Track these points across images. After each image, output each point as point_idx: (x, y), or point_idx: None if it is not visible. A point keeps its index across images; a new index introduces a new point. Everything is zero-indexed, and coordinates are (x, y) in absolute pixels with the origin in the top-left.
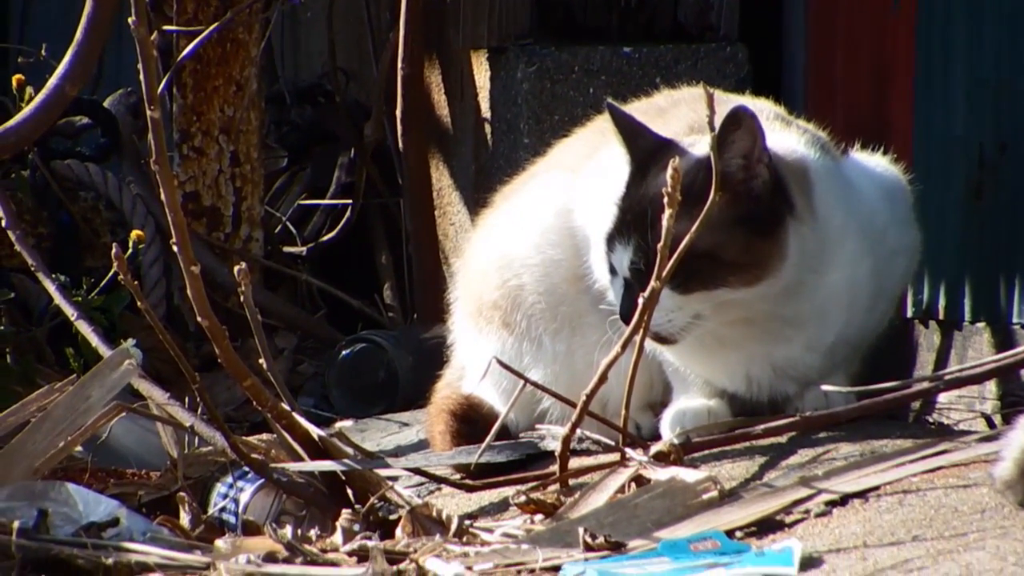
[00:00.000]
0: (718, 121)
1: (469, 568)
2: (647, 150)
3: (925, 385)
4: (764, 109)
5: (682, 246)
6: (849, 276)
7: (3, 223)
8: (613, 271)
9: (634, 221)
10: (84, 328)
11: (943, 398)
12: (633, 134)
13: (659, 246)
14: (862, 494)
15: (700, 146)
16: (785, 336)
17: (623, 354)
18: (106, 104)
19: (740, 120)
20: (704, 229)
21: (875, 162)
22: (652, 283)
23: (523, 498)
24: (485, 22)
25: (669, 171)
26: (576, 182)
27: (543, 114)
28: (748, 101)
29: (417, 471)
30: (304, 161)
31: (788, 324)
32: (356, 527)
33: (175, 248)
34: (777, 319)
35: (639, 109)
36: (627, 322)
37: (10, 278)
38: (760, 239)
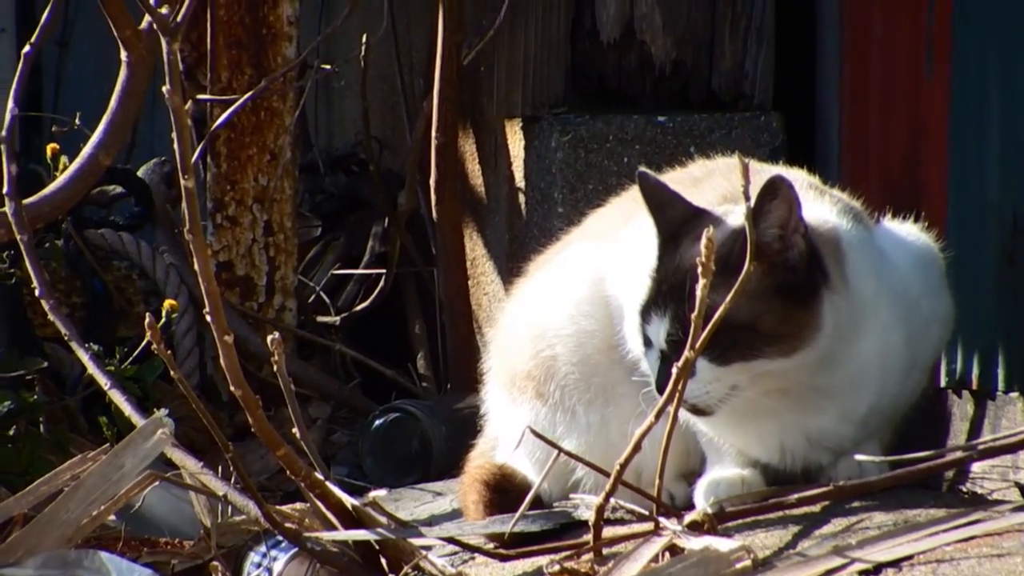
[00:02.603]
0: (754, 191)
1: None
2: (678, 220)
3: (959, 454)
4: (798, 178)
5: (716, 316)
6: (882, 346)
7: (37, 292)
8: (648, 343)
9: (670, 292)
10: (117, 397)
11: (977, 467)
12: (662, 204)
13: (693, 316)
14: (896, 563)
15: (734, 216)
16: (819, 407)
17: (657, 423)
18: (140, 173)
19: (777, 189)
20: (741, 300)
21: (907, 230)
22: (686, 353)
23: (557, 567)
24: (519, 90)
25: (703, 241)
26: (609, 251)
27: (577, 183)
28: (782, 170)
29: (451, 540)
30: (338, 230)
31: (822, 395)
32: None
33: (208, 317)
34: (811, 389)
35: (674, 179)
36: (662, 393)
37: (43, 347)
38: (797, 309)
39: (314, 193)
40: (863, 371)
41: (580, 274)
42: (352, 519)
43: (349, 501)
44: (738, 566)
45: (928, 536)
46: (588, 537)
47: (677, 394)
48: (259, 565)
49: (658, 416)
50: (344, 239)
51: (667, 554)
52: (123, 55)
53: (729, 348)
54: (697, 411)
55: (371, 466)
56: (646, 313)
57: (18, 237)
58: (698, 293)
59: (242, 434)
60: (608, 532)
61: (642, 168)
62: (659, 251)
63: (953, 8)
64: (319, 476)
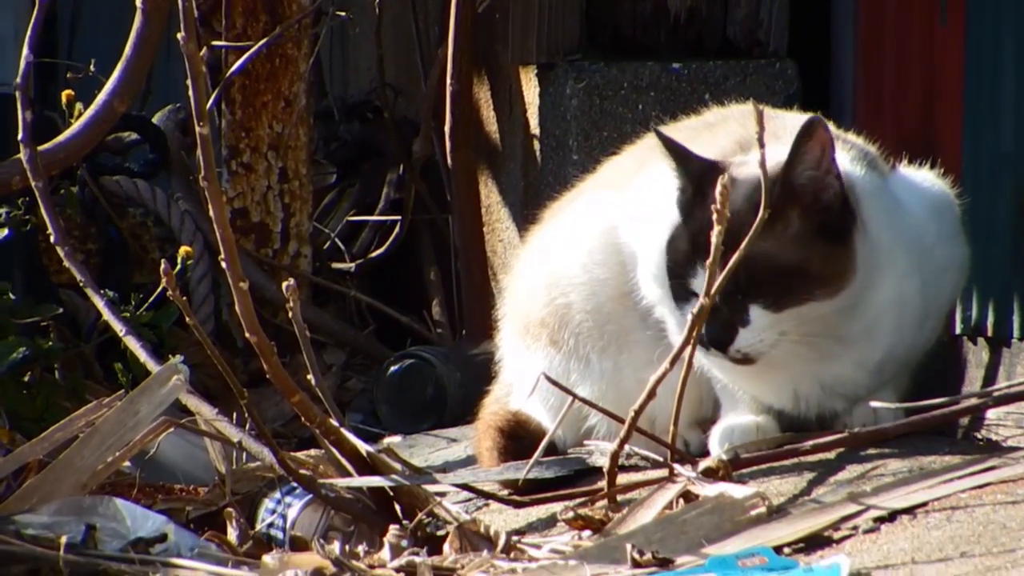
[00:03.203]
0: (768, 137)
1: None
2: (703, 172)
3: (974, 401)
4: None
5: (734, 259)
6: (897, 293)
7: (52, 239)
8: (684, 297)
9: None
10: (133, 344)
11: (991, 414)
12: (686, 158)
13: (708, 262)
14: (910, 510)
15: (751, 165)
16: (834, 354)
17: (672, 370)
18: (155, 120)
19: (813, 130)
20: (788, 244)
21: (922, 177)
22: (701, 300)
23: (571, 514)
24: (534, 38)
25: (719, 188)
26: (622, 200)
27: (592, 130)
28: (795, 117)
29: (465, 487)
30: (353, 177)
31: (838, 342)
32: (404, 543)
33: (223, 264)
34: (828, 337)
35: (689, 126)
36: (724, 349)
37: (59, 294)
38: (836, 250)
39: (329, 140)
40: (879, 318)
41: (593, 223)
42: (367, 466)
43: (364, 448)
44: (753, 513)
45: (943, 483)
46: (602, 484)
47: (693, 340)
48: (274, 511)
49: (673, 363)
50: (359, 186)
51: (681, 501)
52: (138, 2)
53: (783, 294)
54: (745, 360)
55: (386, 413)
56: (687, 266)
57: (33, 184)
58: (712, 241)
59: (257, 381)
60: (622, 479)
61: (658, 128)
62: (688, 204)
63: None
64: (334, 423)
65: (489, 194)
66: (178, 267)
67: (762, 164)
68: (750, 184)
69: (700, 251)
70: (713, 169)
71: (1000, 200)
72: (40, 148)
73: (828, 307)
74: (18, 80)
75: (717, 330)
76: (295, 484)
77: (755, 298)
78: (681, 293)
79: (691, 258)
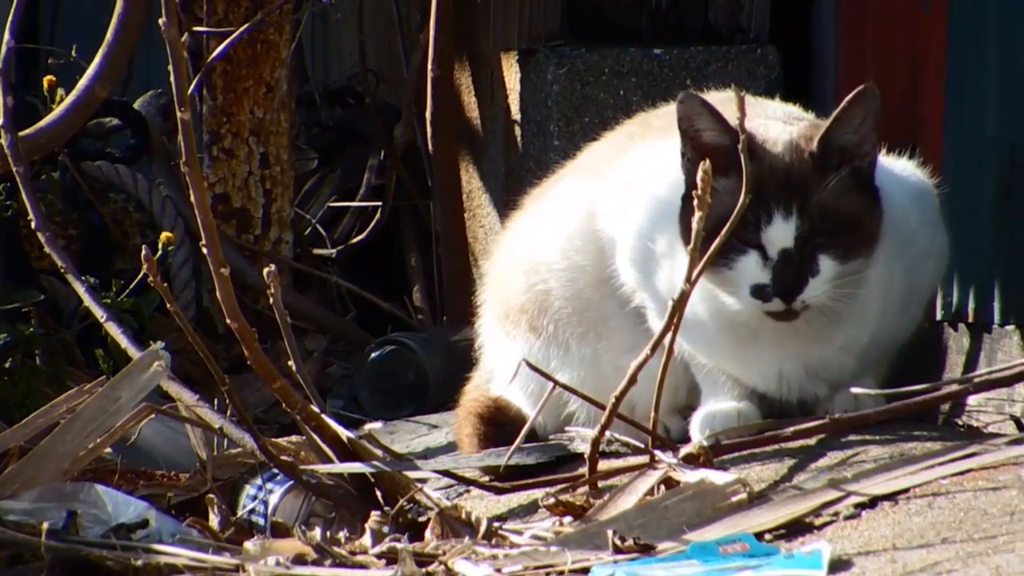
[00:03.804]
0: (750, 123)
1: (498, 570)
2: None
3: (954, 388)
4: (794, 113)
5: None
6: (885, 276)
7: (33, 224)
8: (741, 250)
9: (781, 191)
10: (114, 330)
11: (972, 401)
12: (723, 119)
13: (692, 244)
14: (891, 496)
15: (776, 128)
16: (823, 335)
17: (652, 356)
18: (136, 105)
19: (860, 97)
20: (853, 195)
21: (901, 166)
22: (683, 285)
23: (552, 500)
24: (515, 24)
25: (700, 173)
26: (601, 186)
27: (573, 116)
28: (779, 105)
29: (446, 473)
30: (334, 163)
31: (831, 321)
32: (385, 529)
33: (205, 250)
34: (824, 313)
35: (668, 112)
36: (791, 299)
37: (40, 280)
38: (877, 210)
39: (310, 126)
40: (869, 300)
41: (572, 209)
42: (348, 452)
43: (345, 434)
44: (734, 499)
45: (924, 469)
46: (583, 470)
47: (675, 326)
48: (255, 498)
49: (654, 348)
50: (340, 172)
51: (663, 487)
52: None
53: (849, 245)
54: (792, 315)
55: (367, 399)
56: (756, 220)
57: (14, 169)
58: (694, 225)
59: (238, 367)
60: (603, 465)
61: (690, 91)
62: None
63: None
64: (315, 409)
65: (470, 180)
66: (159, 253)
67: (743, 149)
68: (785, 142)
69: (772, 197)
70: (743, 130)
71: (982, 185)
72: (21, 133)
73: (866, 266)
74: None
75: (790, 279)
76: (276, 470)
77: (825, 248)
78: (736, 247)
79: (756, 210)
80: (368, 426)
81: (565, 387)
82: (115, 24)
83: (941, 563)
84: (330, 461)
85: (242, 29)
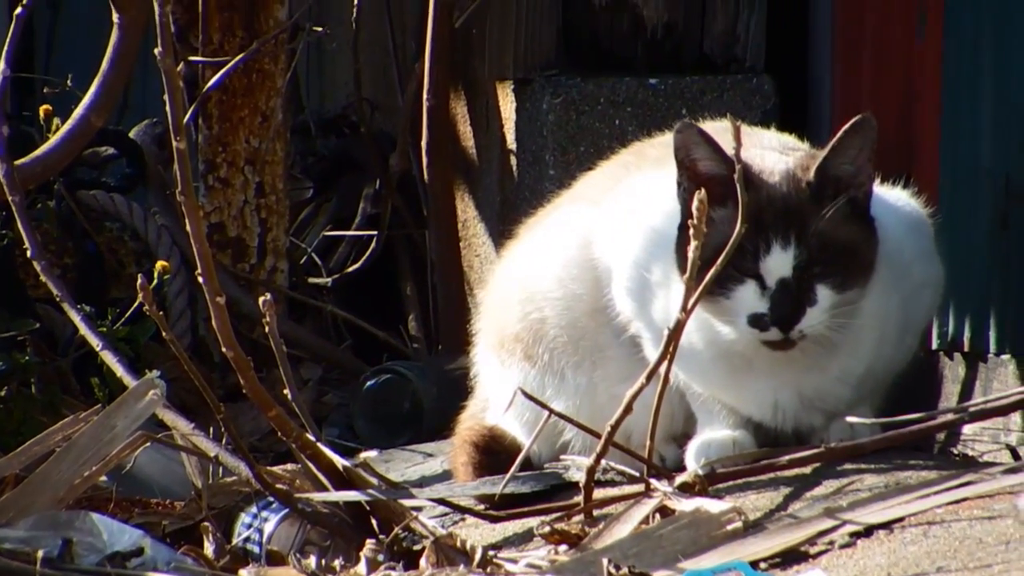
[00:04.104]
0: (746, 154)
1: None
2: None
3: (950, 417)
4: (789, 142)
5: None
6: (881, 307)
7: (29, 253)
8: (736, 280)
9: (779, 221)
10: (109, 358)
11: (968, 430)
12: (716, 146)
13: (688, 273)
14: (887, 525)
15: (773, 158)
16: (819, 365)
17: (648, 385)
18: (132, 134)
19: (860, 128)
20: (851, 224)
21: (896, 196)
22: (679, 314)
23: (547, 528)
24: (511, 53)
25: (695, 202)
26: (597, 215)
27: (569, 145)
28: (774, 135)
29: (442, 501)
30: (329, 192)
31: (827, 351)
32: (380, 557)
33: (200, 279)
34: (820, 343)
35: (665, 142)
36: (789, 329)
37: (35, 308)
38: (872, 238)
39: (306, 155)
40: (864, 330)
41: (568, 238)
42: (343, 480)
43: (340, 462)
44: (729, 528)
45: (919, 498)
46: (579, 498)
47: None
48: (250, 526)
49: (650, 377)
50: (336, 201)
51: (658, 515)
52: (115, 17)
53: (846, 275)
54: (787, 345)
55: (362, 427)
56: (754, 252)
57: (10, 198)
58: (690, 254)
59: (234, 395)
60: (599, 493)
61: (687, 120)
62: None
63: None
64: (310, 437)
65: (466, 209)
66: (155, 282)
67: (739, 179)
68: (782, 172)
69: (770, 227)
70: (739, 160)
71: (978, 214)
72: (17, 162)
73: (862, 296)
74: None
75: (788, 309)
76: (272, 498)
77: (823, 278)
78: (734, 276)
79: (754, 239)
80: (364, 454)
81: (560, 416)
82: (110, 53)
83: None
84: (325, 489)
85: (238, 59)
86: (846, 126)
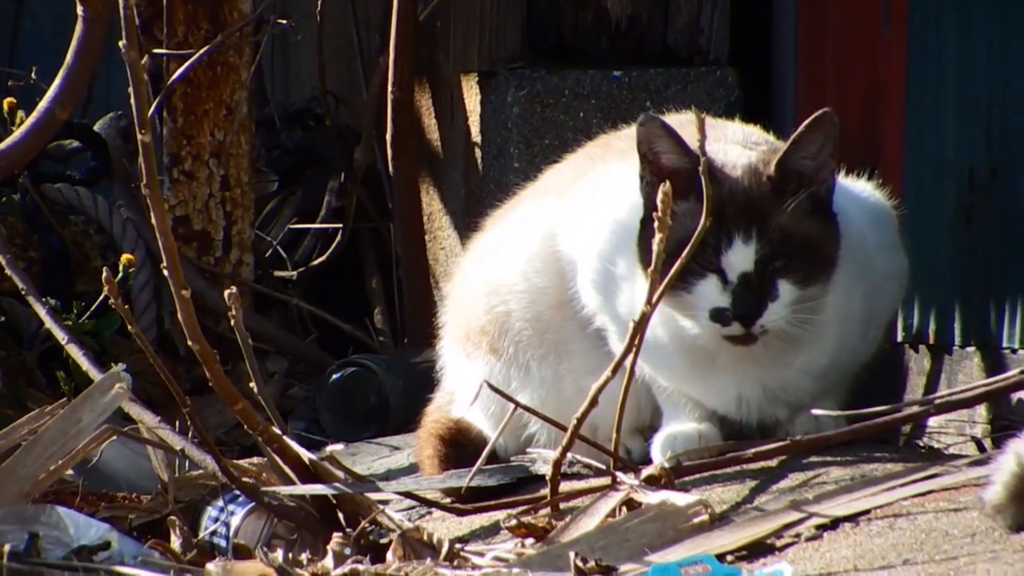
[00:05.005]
0: (711, 145)
1: None
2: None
3: (915, 409)
4: (753, 135)
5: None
6: (845, 298)
7: None
8: (698, 274)
9: (741, 215)
10: (75, 352)
11: (933, 422)
12: (683, 143)
13: (652, 267)
14: (853, 518)
15: (735, 152)
16: (782, 359)
17: (613, 378)
18: (96, 127)
19: (820, 123)
20: (809, 220)
21: (860, 187)
22: (644, 307)
23: (514, 522)
24: (475, 46)
25: (659, 195)
26: (561, 208)
27: (533, 138)
28: (739, 127)
29: (408, 495)
30: (294, 185)
31: (789, 345)
32: (347, 551)
33: (165, 272)
34: (782, 337)
35: (630, 134)
36: (751, 323)
37: (0, 302)
38: (835, 234)
39: (270, 148)
40: (827, 321)
41: (532, 231)
42: (309, 474)
43: (306, 456)
44: (695, 520)
45: (885, 491)
46: (545, 491)
47: (637, 347)
48: (216, 519)
49: (615, 370)
50: (301, 194)
51: (624, 508)
52: (79, 10)
53: (808, 270)
54: (749, 340)
55: (328, 420)
56: (716, 244)
57: None
58: (655, 248)
59: (200, 389)
60: (565, 487)
61: (650, 113)
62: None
63: None
64: (276, 431)
65: (431, 202)
66: (120, 275)
67: (704, 172)
68: (744, 166)
69: (731, 222)
70: (704, 155)
71: (942, 208)
72: None
73: (824, 292)
74: None
75: (750, 304)
76: (238, 492)
77: (785, 273)
78: (695, 271)
79: (716, 233)
80: (330, 448)
81: (526, 408)
82: (75, 46)
83: None
84: (292, 483)
85: (202, 51)
86: (807, 121)
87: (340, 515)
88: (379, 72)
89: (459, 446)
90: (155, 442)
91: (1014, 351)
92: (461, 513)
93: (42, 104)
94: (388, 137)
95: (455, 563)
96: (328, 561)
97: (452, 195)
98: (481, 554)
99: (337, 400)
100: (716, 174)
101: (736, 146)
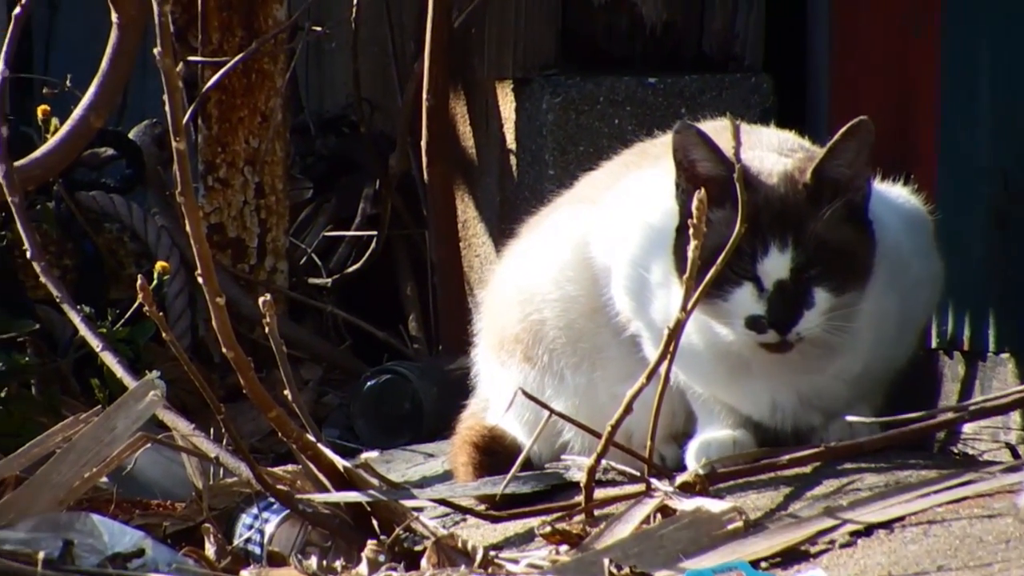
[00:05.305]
0: (745, 152)
1: None
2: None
3: (949, 415)
4: (788, 141)
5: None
6: (879, 305)
7: (28, 254)
8: (733, 283)
9: (776, 222)
10: (109, 359)
11: (967, 428)
12: (719, 151)
13: (687, 274)
14: (887, 524)
15: (764, 159)
16: (817, 365)
17: (648, 385)
18: (131, 135)
19: (856, 131)
20: (845, 227)
21: (895, 193)
22: (678, 314)
23: (548, 528)
24: (510, 52)
25: (695, 203)
26: (594, 215)
27: (568, 145)
28: (774, 133)
29: (442, 502)
30: (329, 192)
31: (823, 351)
32: (381, 558)
33: (200, 279)
34: (817, 344)
35: (665, 141)
36: (786, 331)
37: (35, 309)
38: (871, 240)
39: (305, 155)
40: (862, 329)
41: (566, 238)
42: (344, 481)
43: (341, 463)
44: (729, 527)
45: (919, 497)
46: (579, 498)
47: (672, 353)
48: (251, 527)
49: (650, 377)
50: (335, 201)
51: (659, 515)
52: (114, 17)
53: (844, 278)
54: (785, 347)
55: (362, 428)
56: (752, 253)
57: (9, 199)
58: (690, 255)
59: (234, 396)
60: (599, 493)
61: (686, 121)
62: (722, 194)
63: None
64: (310, 438)
65: (465, 209)
66: (154, 282)
67: (739, 180)
68: (779, 173)
69: (767, 229)
70: (739, 163)
71: (975, 213)
72: (16, 163)
73: (859, 299)
74: None
75: (785, 311)
76: (272, 499)
77: (820, 281)
78: (731, 278)
79: (752, 241)
80: (364, 455)
81: (561, 415)
82: (109, 53)
83: None
84: (326, 490)
85: (237, 59)
86: (843, 129)
87: (374, 522)
88: (414, 79)
89: (493, 453)
90: (189, 449)
91: None
92: (495, 520)
93: (77, 112)
94: (423, 144)
95: (489, 570)
96: (362, 568)
97: (487, 202)
98: (515, 561)
99: (371, 407)
100: (752, 182)
101: (772, 153)
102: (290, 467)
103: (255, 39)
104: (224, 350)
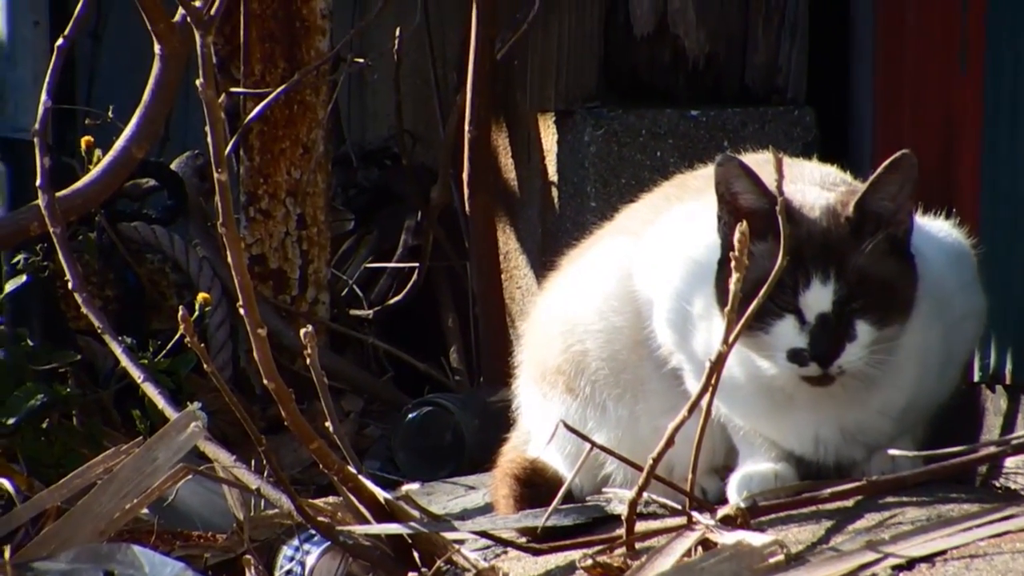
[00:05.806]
0: (787, 185)
1: None
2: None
3: (992, 449)
4: (831, 175)
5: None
6: (922, 339)
7: (70, 285)
8: (774, 314)
9: (819, 256)
10: (150, 390)
11: (1010, 462)
12: (756, 180)
13: (728, 306)
14: (929, 558)
15: (813, 193)
16: (860, 399)
17: (689, 418)
18: (173, 166)
19: (899, 164)
20: (889, 260)
21: (939, 227)
22: (720, 347)
23: (590, 561)
24: (552, 85)
25: (736, 235)
26: (637, 247)
27: (610, 177)
28: (816, 167)
29: (484, 534)
30: (371, 224)
31: (866, 386)
32: None
33: (242, 311)
34: (860, 378)
35: (707, 174)
36: (828, 364)
37: (76, 340)
38: (912, 274)
39: (347, 187)
40: (906, 364)
41: (609, 270)
42: (385, 513)
43: (382, 495)
44: (771, 561)
45: (961, 531)
46: (621, 531)
47: (714, 387)
48: (292, 559)
49: (692, 410)
50: (377, 233)
51: (700, 548)
52: (157, 48)
53: (886, 311)
54: (827, 380)
55: (404, 459)
56: (793, 285)
57: (51, 230)
58: (732, 287)
59: (275, 427)
60: (641, 526)
61: (728, 153)
62: (765, 227)
63: (987, 3)
64: (352, 470)
65: (507, 240)
66: (196, 313)
67: (781, 212)
68: (822, 207)
69: (810, 262)
70: (782, 195)
71: (1018, 247)
72: (58, 194)
73: (901, 332)
74: (36, 126)
75: (827, 345)
76: (313, 531)
77: (863, 314)
78: (773, 311)
79: (794, 274)
80: (405, 487)
81: (603, 448)
82: (152, 85)
83: None
84: (367, 522)
85: (279, 90)
86: (886, 163)
87: (415, 555)
88: (456, 111)
89: (535, 486)
90: (230, 481)
91: None
92: (537, 553)
93: (119, 142)
94: (464, 176)
95: None
96: None
97: (528, 234)
98: None
99: (413, 439)
100: (794, 215)
101: (814, 187)
102: (331, 499)
103: (297, 70)
104: (265, 381)
